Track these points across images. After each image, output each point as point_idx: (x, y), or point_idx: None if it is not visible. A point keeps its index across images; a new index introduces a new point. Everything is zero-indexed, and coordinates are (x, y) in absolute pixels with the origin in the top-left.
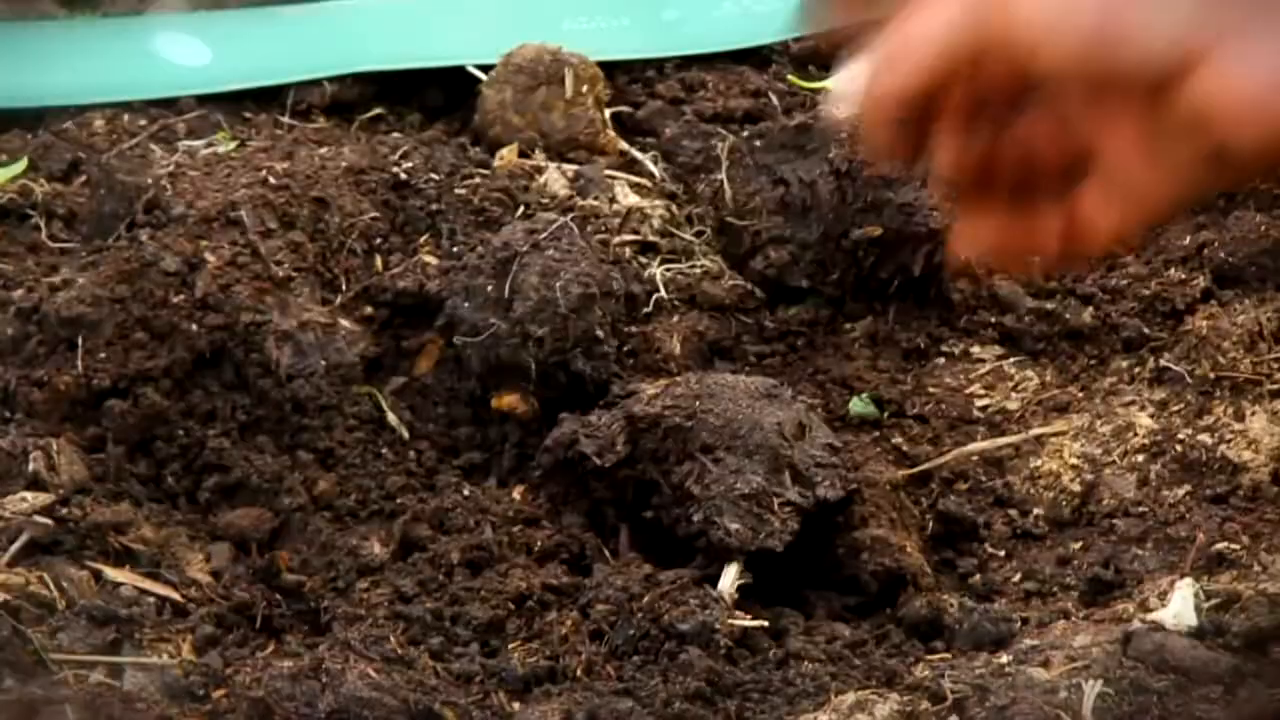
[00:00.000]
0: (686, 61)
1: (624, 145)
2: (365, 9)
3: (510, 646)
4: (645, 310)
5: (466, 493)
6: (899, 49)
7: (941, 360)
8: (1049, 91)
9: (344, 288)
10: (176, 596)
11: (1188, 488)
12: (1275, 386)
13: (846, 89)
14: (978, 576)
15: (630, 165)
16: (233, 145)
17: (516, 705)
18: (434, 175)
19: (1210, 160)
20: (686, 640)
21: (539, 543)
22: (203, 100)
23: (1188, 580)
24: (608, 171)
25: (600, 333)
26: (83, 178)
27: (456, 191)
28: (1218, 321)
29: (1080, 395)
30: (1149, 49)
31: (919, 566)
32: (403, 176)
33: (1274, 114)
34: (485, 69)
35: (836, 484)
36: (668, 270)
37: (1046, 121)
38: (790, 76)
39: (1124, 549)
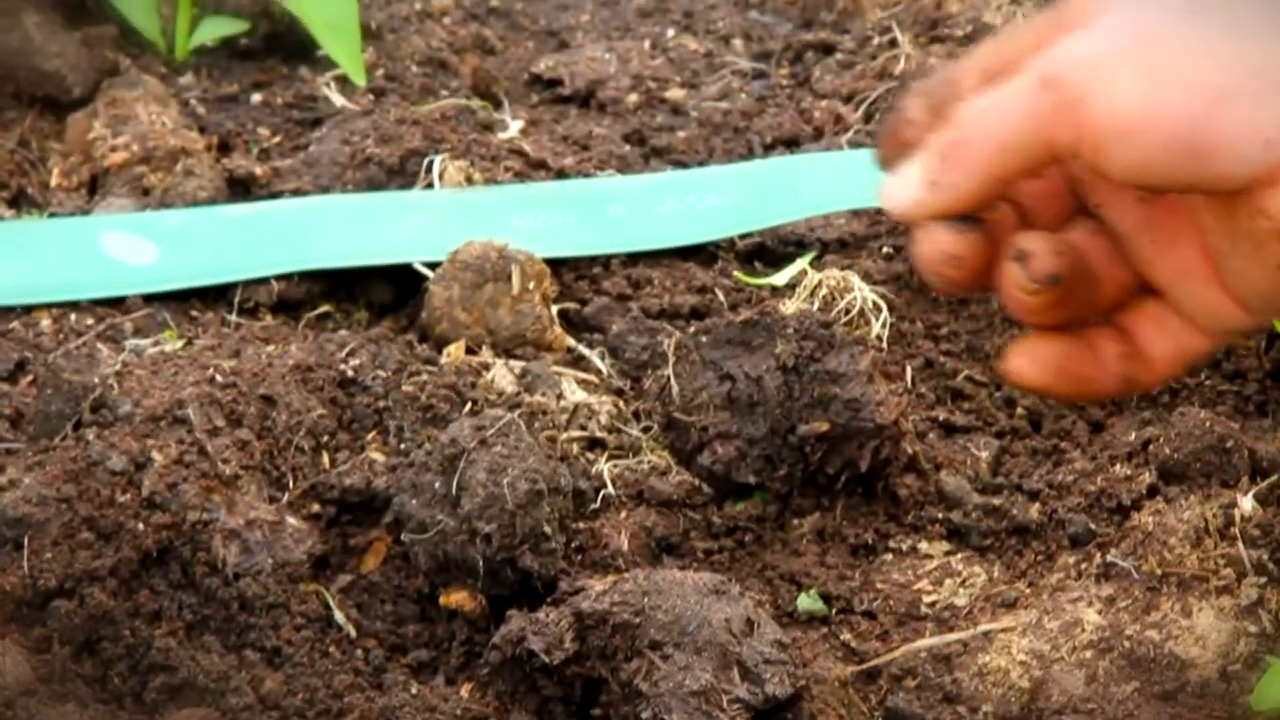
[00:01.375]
0: (633, 258)
1: (571, 341)
2: (311, 208)
3: None
4: (593, 506)
5: (414, 691)
6: (954, 147)
7: (889, 556)
8: (1101, 202)
9: (291, 485)
10: None
11: (1136, 684)
12: (1221, 582)
13: (897, 195)
14: None
15: (577, 361)
16: (180, 344)
17: None
18: (381, 372)
19: None
20: None
21: None
22: (150, 299)
23: None
24: (555, 368)
25: (548, 529)
26: (29, 377)
27: (404, 388)
28: (1164, 517)
29: (1028, 591)
30: (1242, 152)
31: None
32: (350, 374)
33: None
34: (432, 266)
35: (785, 681)
36: (615, 466)
37: (1097, 238)
38: (735, 272)
39: None
